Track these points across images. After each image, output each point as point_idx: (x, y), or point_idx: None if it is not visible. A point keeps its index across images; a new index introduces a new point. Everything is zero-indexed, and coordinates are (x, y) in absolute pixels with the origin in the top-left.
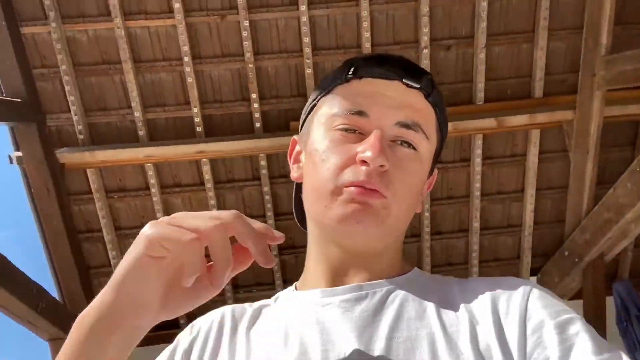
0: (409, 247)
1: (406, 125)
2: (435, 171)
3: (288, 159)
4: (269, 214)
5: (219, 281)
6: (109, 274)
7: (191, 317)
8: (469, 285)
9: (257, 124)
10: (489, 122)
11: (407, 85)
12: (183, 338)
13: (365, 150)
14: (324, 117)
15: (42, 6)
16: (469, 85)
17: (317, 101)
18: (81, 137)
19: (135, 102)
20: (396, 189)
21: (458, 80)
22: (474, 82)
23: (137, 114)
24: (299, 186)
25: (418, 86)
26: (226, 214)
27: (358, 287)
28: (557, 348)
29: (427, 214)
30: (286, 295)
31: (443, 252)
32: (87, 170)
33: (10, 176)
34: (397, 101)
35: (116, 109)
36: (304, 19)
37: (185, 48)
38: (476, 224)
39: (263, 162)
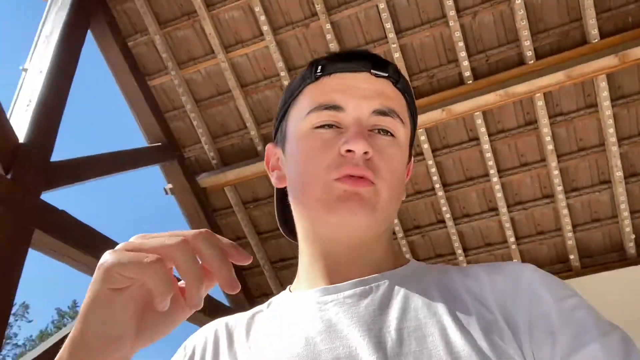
0: (544, 209)
1: (383, 113)
2: (412, 158)
3: (266, 168)
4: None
5: (194, 300)
6: (258, 274)
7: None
8: (470, 272)
9: None
10: (610, 61)
11: (376, 75)
12: None
13: (348, 140)
14: (300, 117)
15: (161, 59)
16: (578, 24)
17: (289, 105)
18: (214, 161)
19: (249, 122)
20: (382, 175)
21: (565, 22)
22: (584, 19)
23: (253, 132)
24: (279, 193)
25: (386, 75)
26: (189, 231)
27: (361, 281)
28: (563, 328)
29: (556, 172)
30: (281, 299)
31: (584, 209)
32: (225, 188)
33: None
34: (369, 91)
35: (236, 131)
36: (382, 5)
37: (280, 64)
38: (619, 173)
39: None
